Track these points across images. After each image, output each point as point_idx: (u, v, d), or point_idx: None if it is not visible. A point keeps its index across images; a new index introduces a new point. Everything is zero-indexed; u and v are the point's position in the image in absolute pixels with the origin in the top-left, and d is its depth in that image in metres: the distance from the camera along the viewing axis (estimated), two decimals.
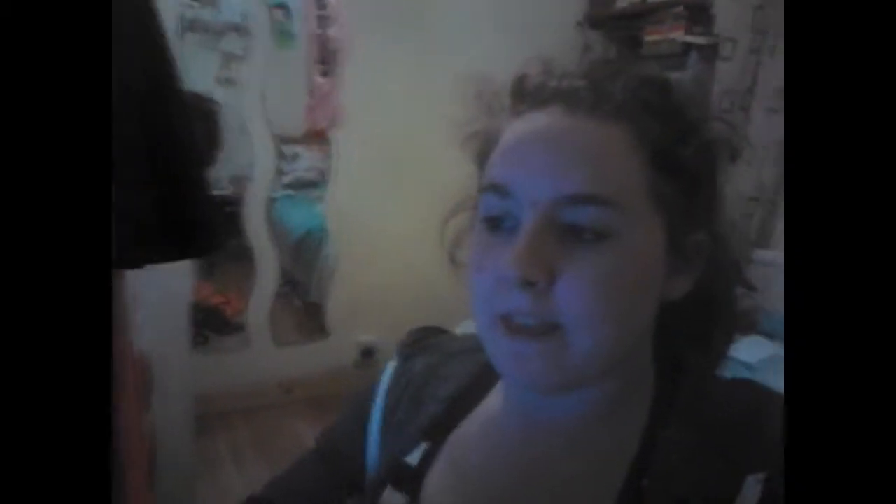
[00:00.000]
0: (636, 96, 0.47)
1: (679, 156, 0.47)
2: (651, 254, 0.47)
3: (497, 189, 0.47)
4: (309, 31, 2.39)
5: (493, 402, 0.57)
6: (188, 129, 1.29)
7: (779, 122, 2.13)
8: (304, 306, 3.36)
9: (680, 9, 2.39)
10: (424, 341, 0.65)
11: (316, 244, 3.29)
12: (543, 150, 0.46)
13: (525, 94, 0.50)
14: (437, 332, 0.67)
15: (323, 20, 2.40)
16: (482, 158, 0.52)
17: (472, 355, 0.59)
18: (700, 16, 2.33)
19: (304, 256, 3.35)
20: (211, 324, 2.93)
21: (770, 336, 1.80)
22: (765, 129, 2.11)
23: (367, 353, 2.87)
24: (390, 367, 0.65)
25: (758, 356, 1.68)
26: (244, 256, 2.77)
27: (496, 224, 0.47)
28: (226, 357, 2.74)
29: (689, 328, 0.54)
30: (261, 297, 2.75)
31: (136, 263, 1.22)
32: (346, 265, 2.83)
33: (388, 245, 2.77)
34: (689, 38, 2.33)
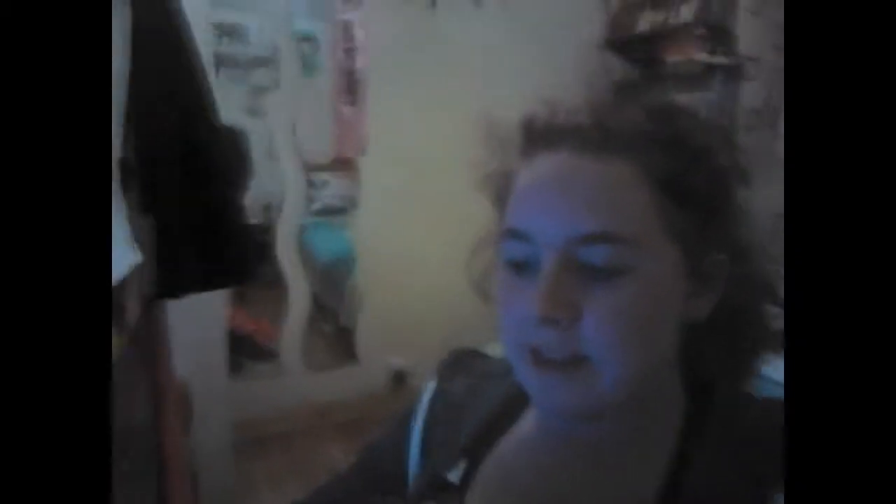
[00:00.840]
0: (642, 130, 0.49)
1: (689, 184, 0.48)
2: (669, 282, 0.48)
3: (516, 235, 0.49)
4: (335, 63, 2.45)
5: (527, 423, 0.59)
6: (224, 163, 1.33)
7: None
8: (334, 332, 3.39)
9: (702, 30, 2.41)
10: (462, 363, 0.68)
11: (345, 270, 3.34)
12: (555, 194, 0.48)
13: (534, 136, 0.52)
14: (474, 354, 0.70)
15: (349, 52, 2.46)
16: (500, 200, 0.54)
17: (508, 378, 0.60)
18: (722, 36, 2.35)
19: (334, 282, 3.39)
20: (244, 351, 2.98)
21: None
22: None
23: (399, 378, 2.88)
24: (430, 387, 0.67)
25: None
26: (275, 283, 2.82)
27: (519, 267, 0.50)
28: (260, 383, 2.77)
29: (717, 347, 0.55)
30: (293, 324, 2.79)
31: (175, 293, 1.26)
32: (376, 290, 2.86)
33: (417, 270, 2.80)
34: (712, 59, 2.34)
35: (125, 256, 0.88)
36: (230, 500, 2.03)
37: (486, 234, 0.57)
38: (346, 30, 2.37)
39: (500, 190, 0.54)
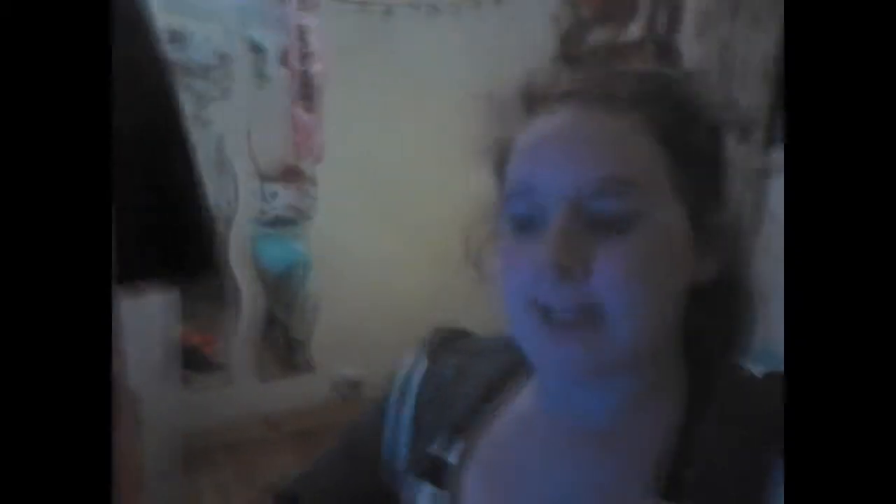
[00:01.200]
0: (642, 90, 0.49)
1: (690, 142, 0.49)
2: (677, 234, 0.49)
3: (521, 190, 0.49)
4: (291, 69, 2.43)
5: (525, 401, 0.58)
6: (183, 161, 1.31)
7: (750, 149, 2.21)
8: (286, 342, 3.33)
9: (650, 46, 2.49)
10: (450, 343, 0.66)
11: (296, 281, 3.29)
12: (563, 145, 0.48)
13: (535, 98, 0.52)
14: (459, 332, 0.69)
15: (305, 58, 2.44)
16: (499, 168, 0.54)
17: (498, 355, 0.61)
18: (666, 51, 2.43)
19: (285, 293, 3.34)
20: (192, 363, 2.89)
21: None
22: (736, 155, 2.19)
23: (352, 387, 2.85)
24: (418, 366, 0.66)
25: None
26: (221, 294, 2.75)
27: (524, 224, 0.49)
28: (209, 395, 2.69)
29: (715, 315, 0.55)
30: (244, 335, 2.73)
31: (131, 291, 1.22)
32: (329, 300, 2.83)
33: (370, 278, 2.78)
34: None
35: None
36: None
37: (486, 207, 0.57)
38: (302, 35, 2.36)
39: (500, 156, 0.54)
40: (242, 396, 2.70)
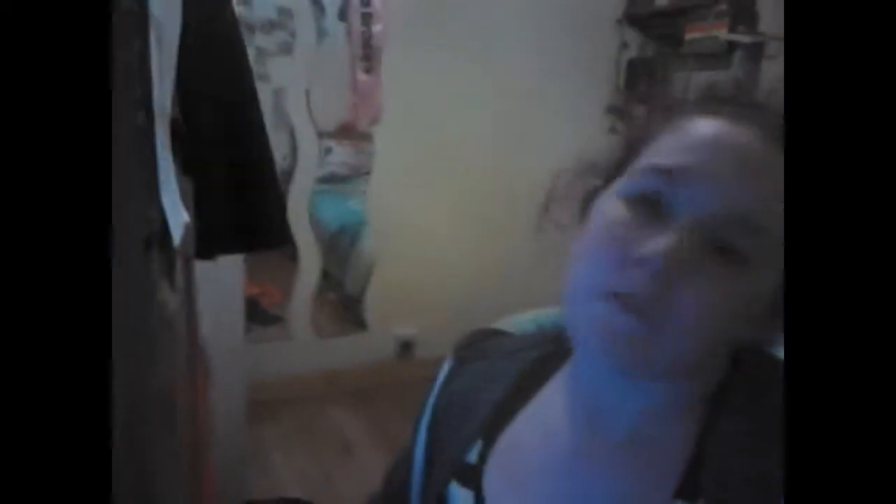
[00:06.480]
0: (748, 99, 0.48)
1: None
2: (775, 275, 0.46)
3: (662, 172, 0.47)
4: (352, 29, 2.42)
5: (549, 403, 0.58)
6: (260, 125, 1.33)
7: None
8: (340, 299, 3.40)
9: (723, 7, 2.40)
10: (480, 344, 0.67)
11: (350, 239, 3.34)
12: (715, 159, 0.46)
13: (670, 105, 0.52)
14: (493, 333, 0.68)
15: (366, 17, 2.43)
16: (633, 144, 0.52)
17: (524, 353, 0.61)
18: (743, 14, 2.33)
19: (339, 250, 3.39)
20: (249, 314, 2.97)
21: None
22: None
23: (406, 347, 2.91)
24: (446, 366, 0.67)
25: None
26: (280, 250, 2.81)
27: (641, 205, 0.47)
28: (267, 347, 2.78)
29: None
30: (302, 290, 2.79)
31: (211, 254, 1.26)
32: (384, 260, 2.86)
33: (426, 240, 2.80)
34: (733, 37, 2.33)
35: (179, 218, 0.88)
36: (240, 464, 2.05)
37: (590, 164, 0.56)
38: None
39: (637, 139, 0.52)
40: (301, 352, 2.78)
